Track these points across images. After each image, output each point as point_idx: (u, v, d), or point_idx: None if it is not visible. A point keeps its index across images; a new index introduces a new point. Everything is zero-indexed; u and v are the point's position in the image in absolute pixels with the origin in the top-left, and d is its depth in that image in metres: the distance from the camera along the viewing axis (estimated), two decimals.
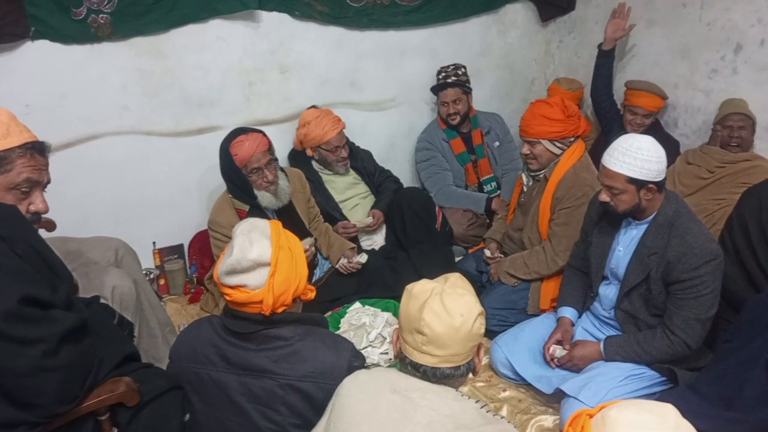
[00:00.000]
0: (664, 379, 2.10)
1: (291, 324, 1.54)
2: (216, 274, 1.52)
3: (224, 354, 1.53)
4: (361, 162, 3.22)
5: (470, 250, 3.27)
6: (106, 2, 2.66)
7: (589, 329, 2.35)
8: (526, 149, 2.61)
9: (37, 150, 1.61)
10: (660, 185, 1.99)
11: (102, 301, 1.91)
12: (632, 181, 1.96)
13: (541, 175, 2.64)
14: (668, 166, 2.04)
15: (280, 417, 1.49)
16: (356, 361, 1.53)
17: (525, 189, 2.77)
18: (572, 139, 2.58)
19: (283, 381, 1.48)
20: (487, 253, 2.88)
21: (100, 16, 2.67)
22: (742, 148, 2.91)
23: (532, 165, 2.64)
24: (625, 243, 2.16)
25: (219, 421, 1.54)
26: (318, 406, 1.44)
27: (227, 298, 1.50)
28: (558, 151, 2.56)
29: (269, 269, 1.46)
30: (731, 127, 2.90)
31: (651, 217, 2.06)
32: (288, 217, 2.66)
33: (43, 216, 1.68)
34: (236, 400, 1.51)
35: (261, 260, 1.46)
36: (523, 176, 2.77)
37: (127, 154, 2.95)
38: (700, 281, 1.95)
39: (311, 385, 1.47)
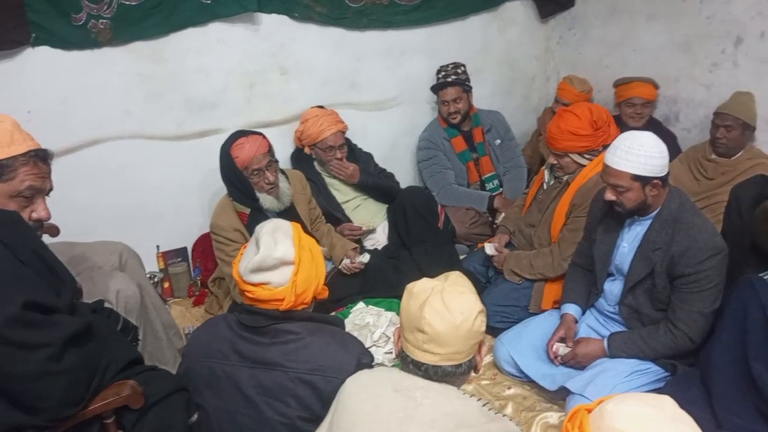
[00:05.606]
0: (669, 374, 2.10)
1: (303, 321, 1.59)
2: (237, 272, 1.57)
3: (237, 348, 1.57)
4: (362, 164, 3.21)
5: (477, 248, 3.26)
6: (105, 7, 2.67)
7: (593, 326, 2.34)
8: (552, 159, 2.60)
9: (40, 158, 1.62)
10: (664, 180, 1.98)
11: (107, 305, 1.92)
12: (637, 178, 1.95)
13: (564, 178, 2.63)
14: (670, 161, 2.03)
15: (289, 410, 1.51)
16: (365, 358, 1.56)
17: (545, 186, 2.76)
18: (601, 150, 2.53)
19: (293, 374, 1.51)
20: (489, 251, 2.84)
21: (100, 21, 2.68)
22: (728, 149, 2.90)
23: (558, 172, 2.64)
24: (630, 239, 2.15)
25: (230, 414, 1.57)
26: (326, 400, 1.45)
27: (249, 295, 1.55)
28: (586, 162, 2.55)
29: (293, 268, 1.54)
30: (717, 126, 2.90)
31: (655, 212, 2.06)
32: (289, 219, 2.60)
33: (46, 221, 1.69)
34: (247, 392, 1.54)
35: (285, 259, 1.54)
36: (546, 173, 2.76)
37: (130, 159, 2.95)
38: (705, 275, 1.95)
39: (320, 379, 1.49)
